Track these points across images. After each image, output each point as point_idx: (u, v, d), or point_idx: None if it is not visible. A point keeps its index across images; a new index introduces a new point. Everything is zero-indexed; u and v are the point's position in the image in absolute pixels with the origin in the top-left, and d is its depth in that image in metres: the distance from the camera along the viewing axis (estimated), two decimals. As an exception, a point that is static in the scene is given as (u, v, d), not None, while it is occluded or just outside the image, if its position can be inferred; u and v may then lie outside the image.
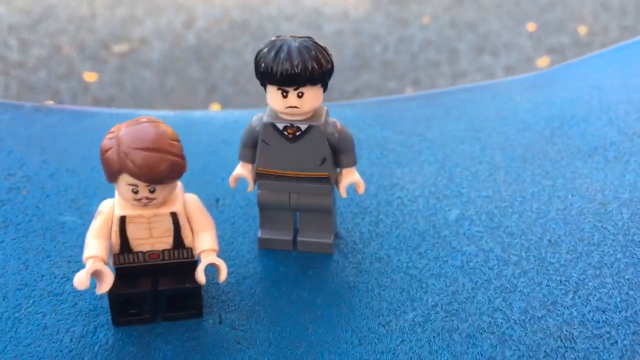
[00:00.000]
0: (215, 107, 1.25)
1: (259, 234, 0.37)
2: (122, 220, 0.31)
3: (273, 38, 0.33)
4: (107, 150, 0.29)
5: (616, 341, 0.31)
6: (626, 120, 0.45)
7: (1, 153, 0.43)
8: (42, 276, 0.34)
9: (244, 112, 0.50)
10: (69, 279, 0.34)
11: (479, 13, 1.52)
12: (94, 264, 0.30)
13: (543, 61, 1.34)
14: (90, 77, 1.30)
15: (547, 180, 0.41)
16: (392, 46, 1.38)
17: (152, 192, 0.30)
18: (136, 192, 0.30)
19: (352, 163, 0.35)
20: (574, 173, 0.41)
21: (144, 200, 0.30)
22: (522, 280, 0.34)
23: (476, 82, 1.28)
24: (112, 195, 0.40)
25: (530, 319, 0.32)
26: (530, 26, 1.45)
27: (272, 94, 0.32)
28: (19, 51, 1.36)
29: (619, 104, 0.47)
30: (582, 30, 1.42)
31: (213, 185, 0.42)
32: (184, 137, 0.46)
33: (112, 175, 0.29)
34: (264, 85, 0.33)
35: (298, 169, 0.34)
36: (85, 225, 0.38)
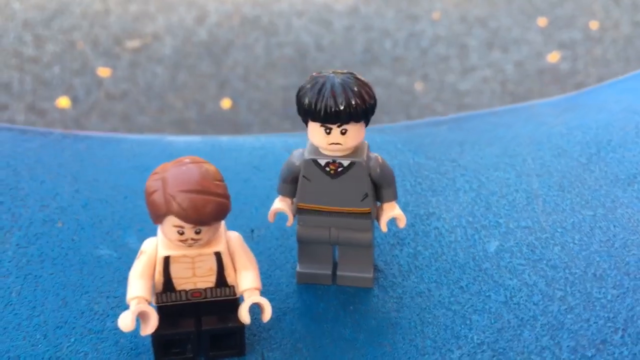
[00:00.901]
0: (226, 103, 1.25)
1: (298, 268, 0.36)
2: (166, 260, 0.30)
3: (314, 74, 0.32)
4: (153, 192, 0.29)
5: (670, 383, 0.30)
6: (665, 147, 0.45)
7: (34, 182, 0.42)
8: (82, 313, 0.34)
9: (270, 137, 0.50)
10: (109, 316, 0.34)
11: (489, 8, 1.52)
12: (138, 306, 0.29)
13: (553, 56, 1.33)
14: (103, 72, 1.32)
15: (587, 209, 0.40)
16: (402, 42, 1.38)
17: (197, 233, 0.29)
18: (182, 233, 0.29)
19: (393, 197, 0.35)
20: (614, 202, 0.41)
21: (190, 241, 0.29)
22: (569, 317, 0.34)
23: (486, 77, 1.27)
24: (145, 228, 0.40)
25: (580, 359, 0.32)
26: (541, 21, 1.45)
27: (315, 130, 0.32)
28: (33, 47, 1.38)
29: (656, 129, 0.46)
30: (594, 25, 1.42)
31: (247, 215, 0.41)
32: (213, 164, 0.46)
33: (158, 217, 0.29)
34: (305, 121, 0.33)
35: (339, 204, 0.34)
36: (122, 259, 0.38)
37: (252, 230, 0.40)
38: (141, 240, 0.38)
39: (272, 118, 1.22)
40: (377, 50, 1.37)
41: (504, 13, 1.53)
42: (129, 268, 0.36)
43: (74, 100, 1.27)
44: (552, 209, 0.41)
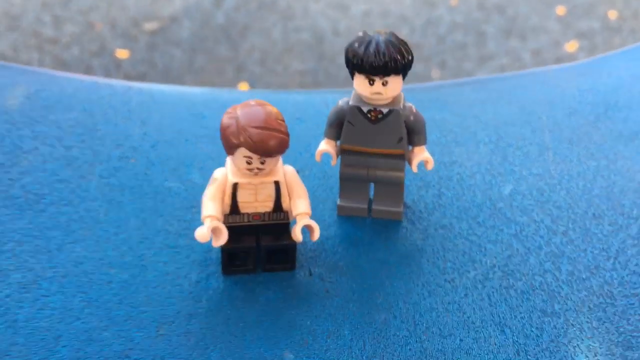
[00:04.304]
0: (243, 87, 1.28)
1: (339, 202, 0.43)
2: (234, 186, 0.37)
3: (361, 33, 0.38)
4: (227, 128, 0.35)
5: (650, 300, 0.36)
6: (665, 108, 0.50)
7: (108, 125, 0.49)
8: (159, 231, 0.41)
9: (310, 93, 0.56)
10: (181, 235, 0.40)
11: None
12: (213, 222, 0.36)
13: (571, 45, 1.34)
14: (122, 54, 1.35)
15: (592, 160, 0.46)
16: (420, 28, 1.39)
17: (262, 163, 0.35)
18: (249, 163, 0.35)
19: (423, 142, 0.41)
20: (616, 155, 0.46)
21: (255, 170, 0.36)
22: (569, 247, 0.40)
23: (504, 65, 1.29)
24: (205, 166, 0.46)
25: (576, 280, 0.38)
26: (560, 10, 1.45)
27: (360, 81, 0.38)
28: (52, 27, 1.41)
29: (659, 93, 0.51)
30: (612, 14, 1.42)
31: (293, 159, 0.47)
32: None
33: (231, 148, 0.35)
34: (352, 73, 0.38)
35: (378, 146, 0.40)
36: (188, 191, 0.44)
37: (298, 171, 0.46)
38: (203, 176, 0.45)
39: None
40: None
41: (522, 0, 1.53)
42: (194, 198, 0.43)
43: None
44: (560, 159, 0.46)
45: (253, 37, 1.41)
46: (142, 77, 1.30)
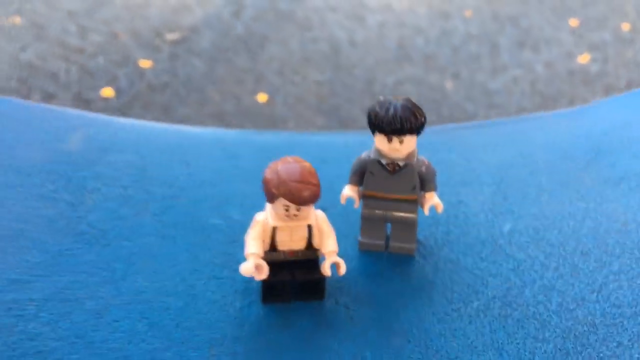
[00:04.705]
0: (262, 97, 1.34)
1: (360, 238, 0.49)
2: (274, 229, 0.43)
3: (381, 98, 0.45)
4: (270, 181, 0.42)
5: (627, 328, 0.43)
6: (648, 155, 0.56)
7: (157, 167, 0.56)
8: (206, 264, 0.47)
9: (333, 135, 0.62)
10: (225, 267, 0.47)
11: (522, 7, 1.56)
12: (256, 260, 0.42)
13: (584, 58, 1.38)
14: (145, 63, 1.40)
15: (581, 202, 0.52)
16: (434, 39, 1.43)
17: (298, 210, 0.42)
18: (287, 210, 0.42)
19: (434, 189, 0.47)
20: (603, 198, 0.53)
21: (292, 216, 0.42)
22: (559, 281, 0.46)
23: (516, 77, 1.32)
24: (243, 204, 0.53)
25: (564, 310, 0.44)
26: (573, 21, 1.49)
27: (380, 139, 0.44)
28: (78, 37, 1.46)
29: (643, 141, 0.58)
30: (625, 26, 1.46)
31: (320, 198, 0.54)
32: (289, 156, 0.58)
33: (272, 197, 0.42)
34: (373, 132, 0.45)
35: (394, 193, 0.47)
36: (230, 227, 0.51)
37: (324, 209, 0.53)
38: (241, 213, 0.52)
39: (307, 112, 1.29)
40: (409, 47, 1.42)
41: (536, 12, 1.56)
42: (235, 234, 0.50)
43: (117, 90, 1.34)
44: (554, 201, 0.53)
45: (271, 47, 1.45)
46: (164, 87, 1.35)
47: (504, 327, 0.43)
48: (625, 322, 0.43)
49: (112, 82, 1.36)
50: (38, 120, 0.59)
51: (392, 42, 1.47)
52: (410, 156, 0.46)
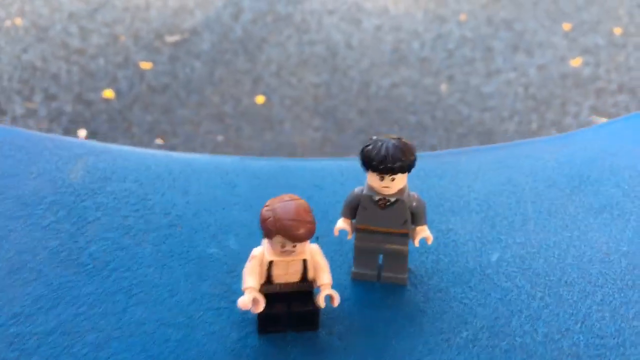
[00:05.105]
0: (260, 99, 1.36)
1: (353, 269, 0.51)
2: (270, 263, 0.45)
3: (374, 137, 0.46)
4: (267, 219, 0.43)
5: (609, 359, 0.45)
6: (630, 184, 0.58)
7: (157, 195, 0.57)
8: (204, 294, 0.49)
9: (329, 161, 0.64)
10: (223, 298, 0.49)
11: (516, 11, 1.58)
12: (253, 293, 0.44)
13: (576, 61, 1.41)
14: (145, 65, 1.42)
15: (566, 231, 0.54)
16: (429, 43, 1.46)
17: (294, 246, 0.44)
18: (283, 247, 0.44)
19: (424, 223, 0.49)
20: (587, 227, 0.55)
21: (288, 252, 0.44)
22: (545, 311, 0.48)
23: (510, 80, 1.34)
24: (239, 232, 0.55)
25: (549, 341, 0.46)
26: (566, 25, 1.52)
27: (372, 177, 0.46)
28: (79, 38, 1.48)
29: (625, 169, 0.60)
30: (618, 31, 1.49)
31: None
32: (285, 183, 0.60)
33: (270, 234, 0.43)
34: (366, 170, 0.47)
35: (386, 226, 0.48)
36: (227, 256, 0.52)
37: (317, 238, 0.54)
38: (238, 242, 0.53)
39: (304, 114, 1.33)
40: (404, 51, 1.46)
41: (530, 16, 1.58)
42: (232, 263, 0.51)
43: (118, 92, 1.37)
44: (540, 229, 0.55)
45: (269, 49, 1.49)
46: (164, 88, 1.38)
47: (491, 358, 0.45)
48: (608, 353, 0.45)
49: (112, 83, 1.38)
50: (39, 148, 0.60)
51: (388, 45, 1.49)
52: (400, 192, 0.47)
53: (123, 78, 1.42)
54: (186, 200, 0.57)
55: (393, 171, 0.45)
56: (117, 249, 0.52)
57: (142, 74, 1.43)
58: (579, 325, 0.47)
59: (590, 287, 0.50)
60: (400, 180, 0.46)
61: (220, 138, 1.25)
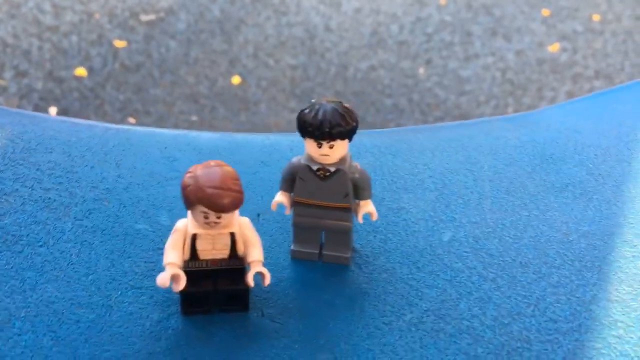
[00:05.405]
0: (235, 79, 1.33)
1: (292, 246, 0.47)
2: (194, 236, 0.41)
3: (313, 100, 0.42)
4: (187, 187, 0.39)
5: (562, 345, 0.41)
6: (594, 162, 0.55)
7: (85, 167, 0.53)
8: (126, 273, 0.45)
9: (279, 136, 0.60)
10: (147, 276, 0.44)
11: None
12: (172, 269, 0.40)
13: (554, 47, 1.40)
14: (119, 44, 1.38)
15: (524, 211, 0.51)
16: (408, 26, 1.45)
17: (218, 218, 0.40)
18: (207, 218, 0.40)
19: (368, 197, 0.45)
20: (547, 206, 0.51)
21: (212, 224, 0.40)
22: (496, 293, 0.44)
23: (488, 64, 1.33)
24: (174, 209, 0.50)
25: (499, 325, 0.42)
26: (545, 11, 1.51)
27: (310, 144, 0.42)
28: (52, 15, 1.44)
29: (590, 147, 0.56)
30: (596, 17, 1.48)
31: (255, 202, 0.51)
32: (229, 158, 0.56)
33: (190, 204, 0.39)
34: (303, 136, 0.43)
35: (326, 200, 0.44)
36: (156, 233, 0.48)
37: (259, 215, 0.50)
38: (171, 218, 0.49)
39: (280, 95, 1.30)
40: (383, 34, 1.44)
41: (509, 1, 1.58)
42: (161, 240, 0.47)
43: (90, 70, 1.34)
44: (497, 208, 0.51)
45: (247, 31, 1.47)
46: (138, 67, 1.34)
47: (435, 342, 0.41)
48: (560, 338, 0.41)
49: (85, 61, 1.35)
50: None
51: (367, 28, 1.48)
52: (341, 161, 0.43)
53: (96, 56, 1.39)
54: (117, 174, 0.53)
55: (331, 136, 0.41)
56: (33, 223, 0.47)
57: (115, 52, 1.41)
58: (531, 308, 0.43)
59: (546, 269, 0.46)
60: (340, 148, 0.42)
61: (194, 118, 1.21)
